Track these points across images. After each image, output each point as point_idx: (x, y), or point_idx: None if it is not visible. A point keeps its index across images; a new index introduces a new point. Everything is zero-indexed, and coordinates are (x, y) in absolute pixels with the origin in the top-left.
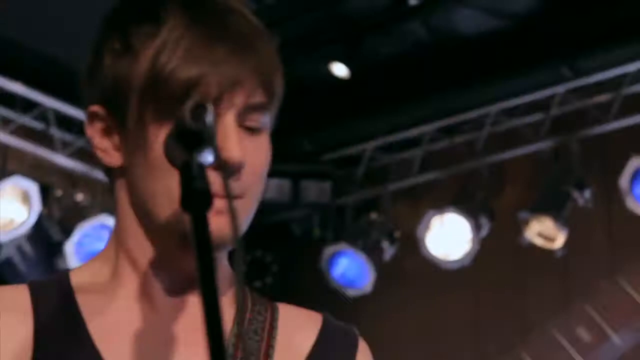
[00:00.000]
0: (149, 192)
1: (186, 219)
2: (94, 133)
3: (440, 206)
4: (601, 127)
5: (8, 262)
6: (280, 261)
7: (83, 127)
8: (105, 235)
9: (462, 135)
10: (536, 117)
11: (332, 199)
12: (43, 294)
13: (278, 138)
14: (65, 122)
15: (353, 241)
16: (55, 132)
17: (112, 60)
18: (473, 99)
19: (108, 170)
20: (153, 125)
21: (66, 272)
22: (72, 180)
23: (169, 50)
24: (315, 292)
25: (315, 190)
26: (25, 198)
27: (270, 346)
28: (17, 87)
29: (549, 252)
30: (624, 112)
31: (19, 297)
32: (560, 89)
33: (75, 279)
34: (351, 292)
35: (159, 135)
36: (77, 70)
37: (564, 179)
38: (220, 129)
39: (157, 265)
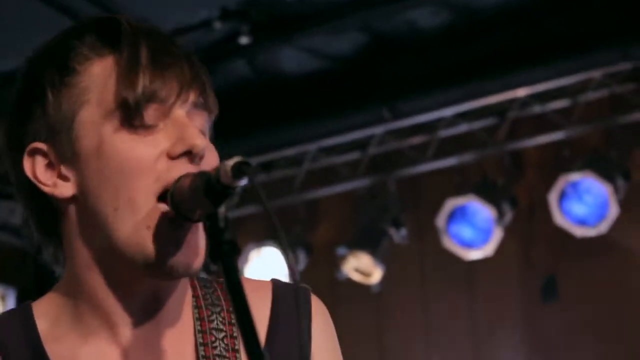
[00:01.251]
0: (109, 209)
1: (148, 238)
2: (37, 169)
3: (257, 240)
4: (416, 168)
5: None
6: None
7: None
8: None
9: (280, 170)
10: (354, 155)
11: None
12: (10, 340)
13: None
14: None
15: None
16: None
17: (53, 91)
18: (293, 136)
19: (47, 213)
20: (110, 137)
21: (29, 314)
22: None
23: (129, 62)
24: None
25: None
26: None
27: (233, 338)
28: None
29: (364, 287)
30: (439, 154)
31: None
32: (378, 129)
33: (40, 325)
34: None
35: (117, 149)
36: None
37: (381, 216)
38: (176, 123)
39: (120, 294)
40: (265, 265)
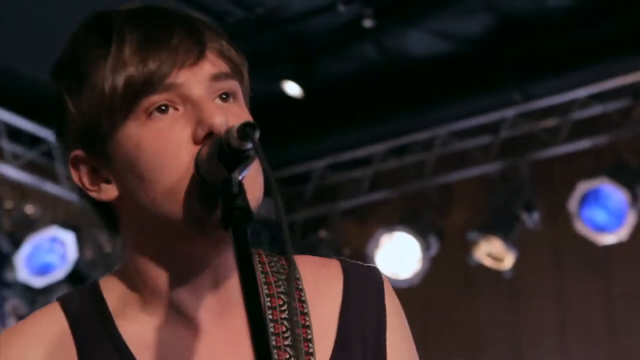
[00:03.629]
0: (150, 198)
1: (194, 205)
2: (83, 177)
3: (388, 225)
4: (549, 151)
5: None
6: None
7: (34, 139)
8: (56, 247)
9: (411, 155)
10: (485, 139)
11: None
12: (82, 317)
13: None
14: (16, 134)
15: None
16: (6, 144)
17: (73, 99)
18: (423, 120)
19: (108, 213)
20: (132, 132)
21: (99, 292)
22: (22, 192)
23: (125, 55)
24: None
25: (265, 207)
26: None
27: (301, 302)
28: None
29: (497, 272)
30: (572, 136)
31: (56, 323)
32: (510, 112)
33: (110, 303)
34: None
35: (143, 144)
36: (29, 83)
37: (513, 200)
38: (193, 104)
39: (182, 282)
40: (396, 250)
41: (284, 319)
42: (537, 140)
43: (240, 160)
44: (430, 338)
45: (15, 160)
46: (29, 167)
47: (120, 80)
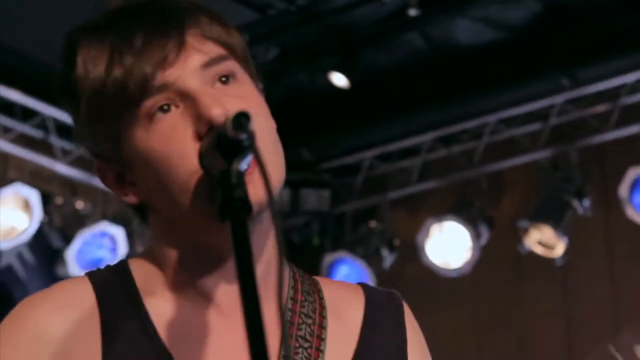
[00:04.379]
0: (164, 193)
1: (205, 200)
2: (112, 184)
3: (438, 214)
4: (599, 137)
5: (8, 269)
6: None
7: None
8: (106, 242)
9: (460, 144)
10: (535, 126)
11: (331, 207)
12: (108, 294)
13: None
14: (65, 130)
15: (353, 249)
16: (55, 140)
17: (74, 115)
18: (472, 109)
19: (142, 213)
20: (139, 138)
21: (127, 269)
22: (72, 188)
23: (89, 69)
24: None
25: (315, 199)
26: (26, 206)
27: (322, 327)
28: (16, 96)
29: (549, 261)
30: (622, 122)
31: (83, 294)
32: (558, 99)
33: (137, 279)
34: None
35: (147, 142)
36: None
37: (563, 188)
38: (190, 99)
39: (206, 273)
40: (446, 239)
41: (299, 336)
42: (587, 126)
43: (238, 150)
44: (481, 326)
45: (64, 156)
46: (79, 162)
47: (88, 91)
